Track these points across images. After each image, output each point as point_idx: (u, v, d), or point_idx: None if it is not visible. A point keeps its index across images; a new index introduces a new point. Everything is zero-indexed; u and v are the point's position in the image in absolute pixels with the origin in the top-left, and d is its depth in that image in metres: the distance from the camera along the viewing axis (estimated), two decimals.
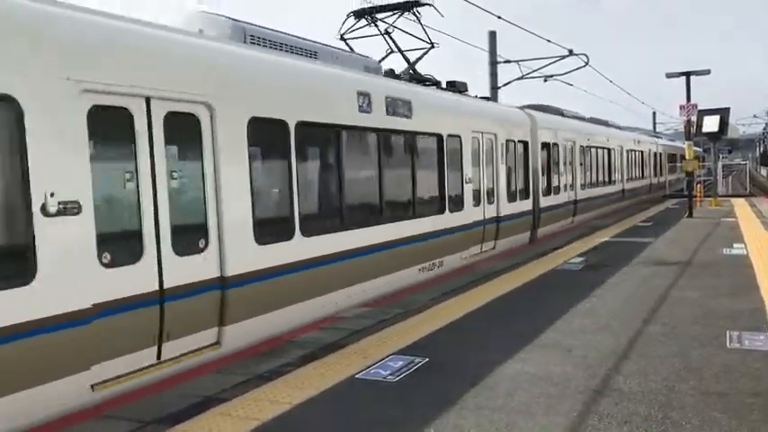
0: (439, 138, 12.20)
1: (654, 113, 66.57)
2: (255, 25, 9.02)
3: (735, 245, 14.38)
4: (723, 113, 28.11)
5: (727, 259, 12.57)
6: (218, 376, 6.33)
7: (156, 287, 6.38)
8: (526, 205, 16.39)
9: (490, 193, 14.45)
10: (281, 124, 8.24)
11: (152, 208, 6.41)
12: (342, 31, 14.16)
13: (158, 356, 6.44)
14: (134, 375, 6.16)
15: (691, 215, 21.85)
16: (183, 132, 6.89)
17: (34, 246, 5.36)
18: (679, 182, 37.48)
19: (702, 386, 5.66)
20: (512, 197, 15.54)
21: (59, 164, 5.58)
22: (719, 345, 6.88)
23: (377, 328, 8.01)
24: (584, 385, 5.76)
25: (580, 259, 13.11)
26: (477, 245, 13.68)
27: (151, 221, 6.39)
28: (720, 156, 44.23)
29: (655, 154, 36.08)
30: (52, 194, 5.48)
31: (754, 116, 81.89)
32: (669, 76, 24.54)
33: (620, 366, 6.26)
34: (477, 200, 13.72)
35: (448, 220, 12.38)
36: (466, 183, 13.18)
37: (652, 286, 10.12)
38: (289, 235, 8.24)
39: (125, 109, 6.23)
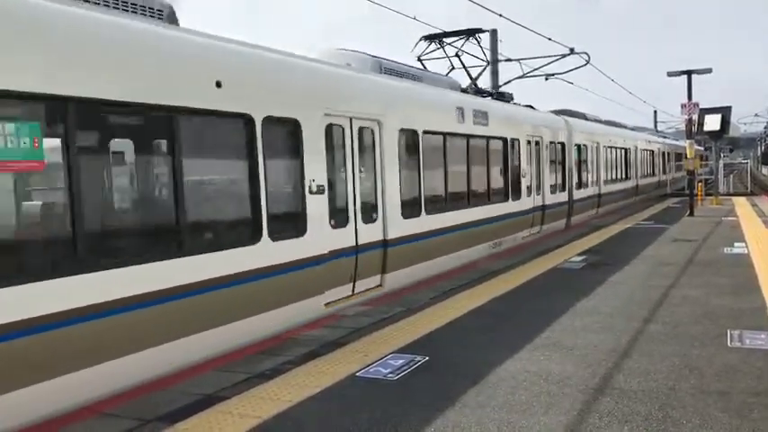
0: (504, 140, 15.23)
1: (655, 112, 66.57)
2: (385, 59, 11.99)
3: (736, 244, 14.38)
4: (724, 112, 28.10)
5: (729, 258, 12.57)
6: (219, 374, 6.33)
7: (354, 243, 9.50)
8: (563, 197, 19.45)
9: (538, 186, 17.36)
10: (415, 132, 11.35)
11: (352, 192, 9.55)
12: (418, 54, 17.37)
13: (352, 291, 9.51)
14: (341, 301, 9.22)
15: (692, 214, 21.84)
16: (366, 141, 9.96)
17: (305, 213, 8.46)
18: (684, 179, 38.04)
19: (703, 385, 5.66)
20: (553, 190, 18.51)
21: (315, 162, 8.65)
22: (720, 344, 6.88)
23: (378, 326, 8.01)
24: (584, 384, 5.76)
25: (581, 258, 13.10)
26: (528, 228, 16.63)
27: (352, 200, 9.53)
28: (722, 154, 44.21)
29: (663, 153, 37.63)
30: (313, 180, 8.57)
31: (756, 115, 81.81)
32: (670, 74, 24.52)
33: (620, 365, 6.27)
34: (529, 191, 16.61)
35: (510, 207, 15.44)
36: (522, 177, 16.19)
37: (653, 285, 10.12)
38: (418, 213, 11.31)
39: (341, 126, 9.40)
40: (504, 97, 17.39)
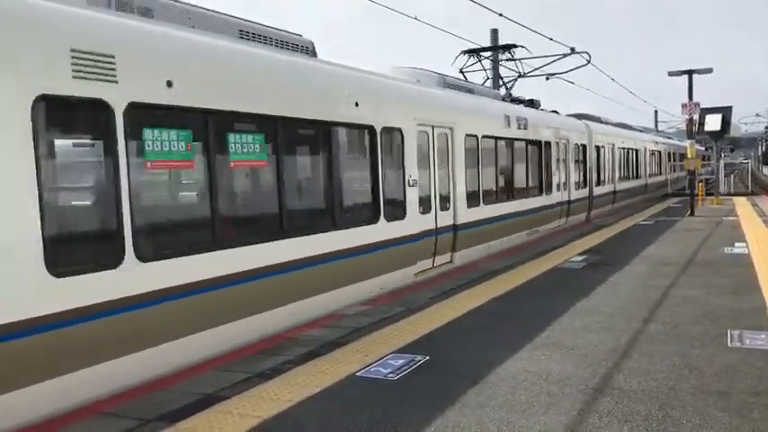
0: (539, 143, 17.54)
1: (656, 112, 66.60)
2: (447, 75, 14.45)
3: (736, 244, 14.37)
4: (725, 112, 28.08)
5: (729, 258, 12.57)
6: (219, 374, 6.34)
7: (434, 226, 11.84)
8: (584, 193, 21.72)
9: (564, 183, 19.55)
10: (476, 137, 13.72)
11: (433, 185, 11.91)
12: (460, 67, 20.19)
13: (432, 264, 11.80)
14: (425, 272, 11.50)
15: (692, 214, 21.83)
16: (442, 144, 12.30)
17: (405, 201, 10.91)
18: (684, 178, 38.54)
19: (703, 385, 5.66)
20: (577, 186, 20.75)
21: (411, 161, 11.14)
22: (720, 344, 6.88)
23: (378, 326, 8.01)
24: (584, 384, 5.76)
25: (581, 258, 13.10)
26: (557, 219, 18.94)
27: (433, 192, 11.88)
28: (722, 154, 44.17)
29: (668, 153, 39.25)
30: (410, 176, 11.06)
31: (757, 115, 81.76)
32: (671, 74, 24.51)
33: (620, 365, 6.27)
34: (558, 187, 18.82)
35: (544, 200, 17.76)
36: (553, 174, 18.49)
37: (653, 285, 10.12)
38: (477, 203, 13.62)
39: (426, 133, 11.76)
40: (534, 104, 19.35)
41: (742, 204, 26.47)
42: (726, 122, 27.60)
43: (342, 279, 9.10)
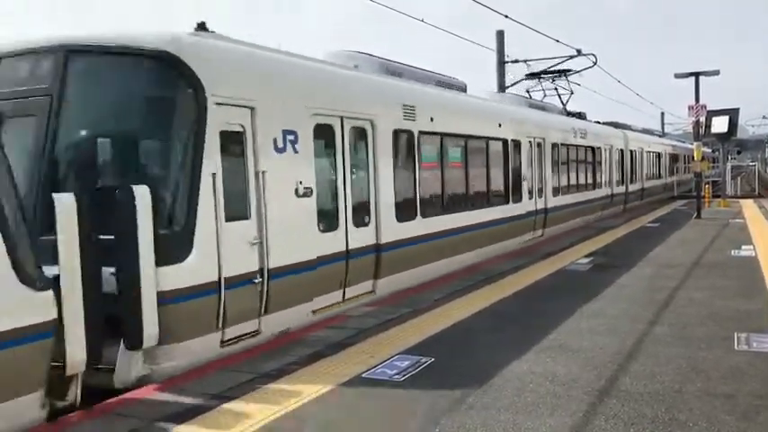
0: (593, 149, 21.78)
1: (662, 114, 66.31)
2: (532, 99, 19.12)
3: (743, 246, 14.32)
4: (732, 114, 28.00)
5: (736, 261, 12.53)
6: (224, 374, 6.34)
7: (534, 209, 16.26)
8: (622, 189, 25.62)
9: (609, 180, 23.65)
10: (556, 144, 18.07)
11: (529, 179, 15.94)
12: (527, 88, 24.59)
13: (532, 236, 16.03)
14: (526, 242, 15.75)
15: (699, 216, 21.76)
16: (536, 150, 16.70)
17: (521, 189, 15.37)
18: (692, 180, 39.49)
19: (709, 388, 5.64)
20: (617, 184, 24.81)
21: (517, 161, 15.37)
22: (727, 346, 6.85)
23: (383, 327, 8.01)
24: (590, 386, 5.75)
25: (587, 260, 13.08)
26: (609, 208, 23.88)
27: (531, 184, 16.11)
28: (729, 156, 44.05)
29: (684, 156, 41.55)
30: (518, 172, 15.28)
31: (764, 117, 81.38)
32: (678, 76, 24.43)
33: (626, 367, 6.25)
34: (604, 183, 23.08)
35: (596, 193, 22.17)
36: (603, 173, 23.01)
37: (659, 287, 10.09)
38: (557, 194, 17.99)
39: (529, 142, 16.24)
40: (581, 116, 23.78)
41: (749, 207, 26.37)
42: (733, 124, 27.53)
43: (495, 238, 13.76)
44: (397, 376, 6.15)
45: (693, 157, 23.68)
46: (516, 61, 24.18)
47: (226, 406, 5.49)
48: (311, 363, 6.63)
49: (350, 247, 9.06)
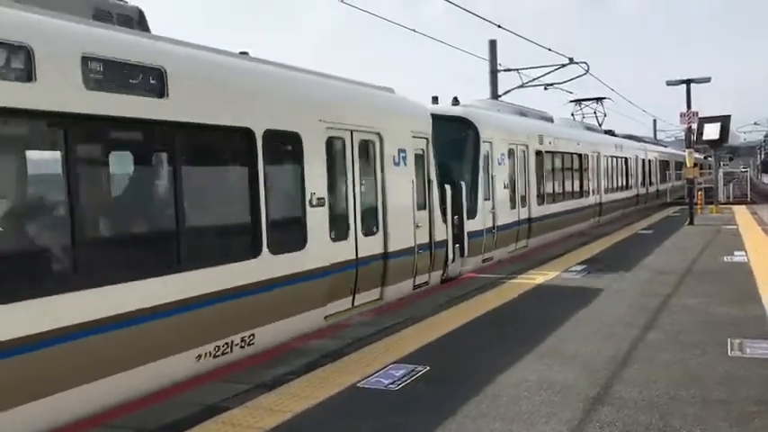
0: (626, 159, 28.54)
1: (654, 121, 66.67)
2: (587, 124, 26.64)
3: (736, 252, 14.39)
4: (724, 121, 28.16)
5: (729, 267, 12.59)
6: (221, 385, 6.33)
7: (597, 202, 23.64)
8: (644, 190, 32.78)
9: (643, 182, 32.39)
10: (607, 156, 24.91)
11: (588, 187, 22.63)
12: (571, 111, 31.97)
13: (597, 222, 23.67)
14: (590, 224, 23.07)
15: (692, 222, 21.86)
16: (593, 162, 23.41)
17: (589, 191, 23.26)
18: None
19: (704, 394, 5.67)
20: (641, 186, 32.05)
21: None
22: (721, 352, 6.89)
23: (379, 336, 8.01)
24: (585, 393, 5.77)
25: (581, 267, 13.11)
26: (636, 205, 30.28)
27: (600, 189, 23.95)
28: (721, 163, 44.37)
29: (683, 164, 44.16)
30: (575, 183, 21.68)
31: (755, 123, 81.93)
32: (669, 83, 24.61)
33: (621, 374, 6.27)
34: (634, 186, 30.18)
35: (630, 192, 29.16)
36: (639, 177, 31.31)
37: (653, 294, 10.13)
38: (611, 192, 25.43)
39: (587, 156, 22.83)
40: (612, 132, 29.63)
41: (741, 213, 26.50)
42: (724, 131, 27.68)
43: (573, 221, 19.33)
44: (392, 385, 6.15)
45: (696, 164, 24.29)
46: (509, 70, 24.30)
47: (222, 416, 5.48)
48: (307, 372, 6.62)
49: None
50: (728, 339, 7.31)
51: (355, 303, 9.48)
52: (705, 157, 49.24)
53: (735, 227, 20.55)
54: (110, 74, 5.95)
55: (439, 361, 6.89)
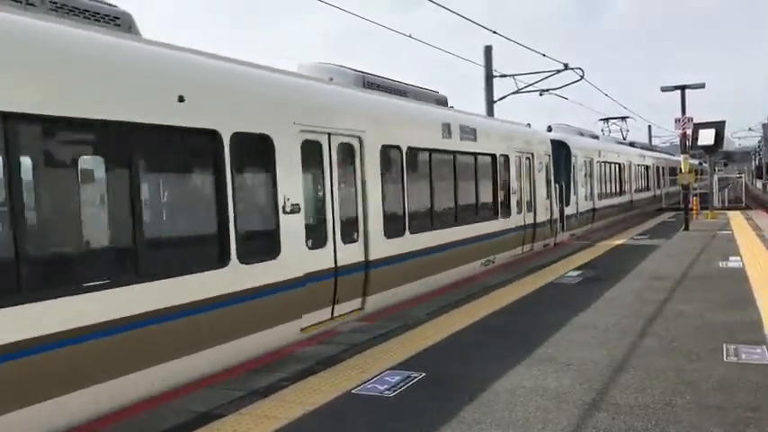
0: (647, 166, 35.66)
1: (649, 127, 66.83)
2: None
3: (731, 257, 14.41)
4: (718, 126, 28.20)
5: (724, 272, 12.60)
6: (215, 391, 6.31)
7: (629, 199, 31.16)
8: (659, 192, 38.49)
9: (651, 186, 36.77)
10: (633, 164, 31.97)
11: (610, 189, 28.11)
12: (601, 128, 38.01)
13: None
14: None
15: (687, 228, 21.89)
16: (614, 169, 29.15)
17: (624, 190, 31.09)
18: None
19: (699, 400, 5.67)
20: (663, 187, 38.94)
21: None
22: (716, 358, 6.88)
23: (374, 342, 7.99)
24: (581, 399, 5.76)
25: (577, 273, 13.12)
26: (654, 204, 35.78)
27: (612, 191, 28.58)
28: (716, 168, 44.52)
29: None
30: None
31: (750, 129, 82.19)
32: (664, 89, 24.67)
33: (616, 380, 6.26)
34: (650, 189, 35.87)
35: (648, 194, 35.37)
36: (660, 179, 39.46)
37: (648, 300, 10.13)
38: (632, 192, 31.88)
39: (617, 164, 29.65)
40: (633, 144, 35.72)
41: (736, 218, 26.56)
42: (719, 137, 27.72)
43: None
44: (387, 392, 6.13)
45: (698, 171, 25.07)
46: (504, 76, 24.34)
47: (216, 423, 5.46)
48: (302, 378, 6.60)
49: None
50: (724, 345, 7.31)
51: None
52: (700, 163, 49.60)
53: (730, 232, 20.59)
54: None
55: (434, 367, 6.87)
